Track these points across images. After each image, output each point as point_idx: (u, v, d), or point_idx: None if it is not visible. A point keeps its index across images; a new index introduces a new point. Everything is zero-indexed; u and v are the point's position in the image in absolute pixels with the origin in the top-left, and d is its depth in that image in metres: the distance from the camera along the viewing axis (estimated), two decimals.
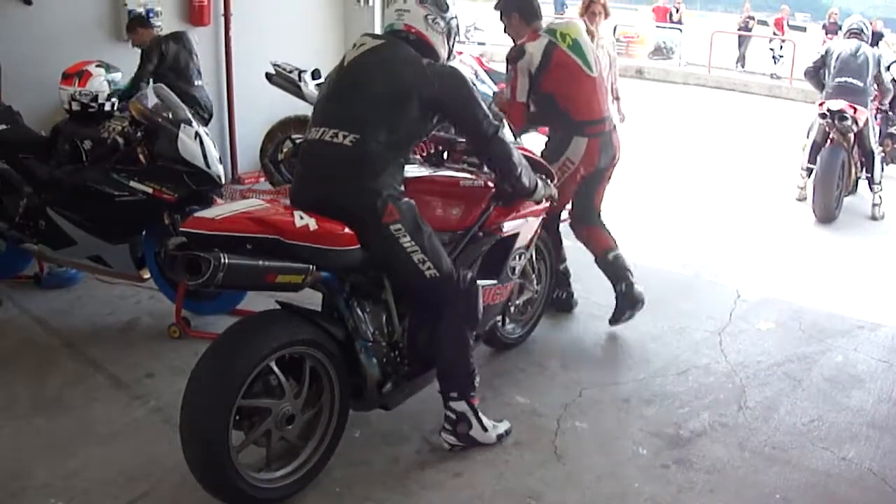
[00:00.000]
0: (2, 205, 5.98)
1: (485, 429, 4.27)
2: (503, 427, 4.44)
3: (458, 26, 4.23)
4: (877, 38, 9.99)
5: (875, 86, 9.15)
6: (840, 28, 24.36)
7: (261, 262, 3.46)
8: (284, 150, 8.50)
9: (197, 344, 5.32)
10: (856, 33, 9.30)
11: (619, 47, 25.00)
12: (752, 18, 27.76)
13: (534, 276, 5.48)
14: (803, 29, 38.48)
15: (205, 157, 5.47)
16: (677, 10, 28.57)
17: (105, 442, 4.35)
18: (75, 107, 5.93)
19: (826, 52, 9.34)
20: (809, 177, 9.13)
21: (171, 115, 5.50)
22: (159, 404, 4.71)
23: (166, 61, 7.74)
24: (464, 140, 4.52)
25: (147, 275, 5.76)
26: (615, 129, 5.79)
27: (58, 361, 5.23)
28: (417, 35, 4.07)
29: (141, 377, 5.02)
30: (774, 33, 26.31)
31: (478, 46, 22.46)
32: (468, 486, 4.09)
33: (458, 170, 4.66)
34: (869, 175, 9.24)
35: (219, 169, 5.58)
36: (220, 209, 3.63)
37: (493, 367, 5.27)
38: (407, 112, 3.87)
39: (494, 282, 4.62)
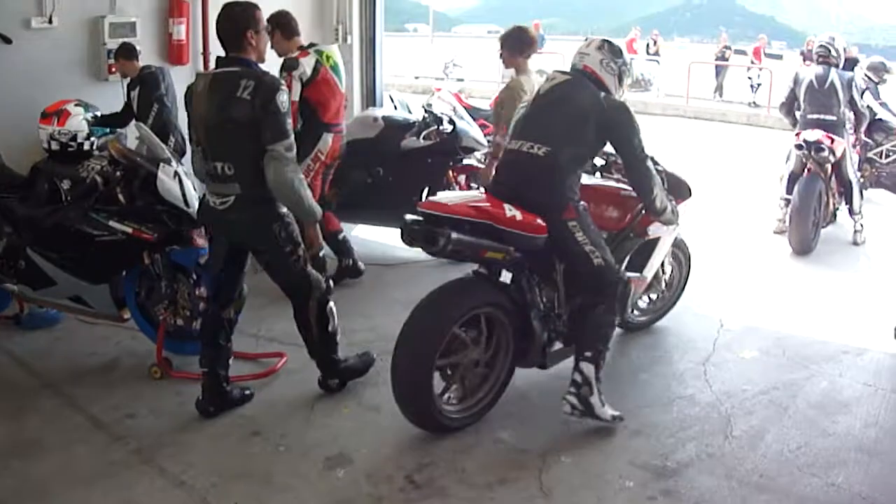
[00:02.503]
0: None
1: (602, 403, 4.90)
2: (617, 413, 4.98)
3: (629, 70, 5.30)
4: (851, 64, 9.92)
5: (851, 113, 9.03)
6: None
7: (477, 240, 4.57)
8: None
9: (179, 384, 5.30)
10: (824, 56, 9.00)
11: None
12: (729, 48, 28.03)
13: (664, 277, 6.37)
14: (780, 57, 38.89)
15: (184, 196, 5.46)
16: (654, 43, 28.84)
17: (84, 484, 4.31)
18: (54, 146, 5.92)
19: (795, 82, 9.12)
20: (787, 207, 9.04)
21: (150, 155, 5.49)
22: (139, 445, 4.67)
23: (170, 90, 7.79)
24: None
25: (128, 315, 5.73)
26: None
27: (37, 402, 5.19)
28: (593, 74, 5.11)
29: (121, 418, 4.98)
30: (752, 62, 26.54)
31: (456, 83, 22.55)
32: None
33: (616, 181, 5.78)
34: (848, 205, 9.23)
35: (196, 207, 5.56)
36: (449, 196, 5.12)
37: None
38: (585, 133, 4.91)
39: (638, 275, 5.61)
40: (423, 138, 7.79)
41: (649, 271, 5.82)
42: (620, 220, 5.57)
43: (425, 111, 8.06)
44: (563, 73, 5.20)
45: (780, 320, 6.86)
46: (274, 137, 4.55)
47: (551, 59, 26.66)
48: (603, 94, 5.02)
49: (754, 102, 24.39)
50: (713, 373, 5.82)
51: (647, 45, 29.16)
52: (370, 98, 9.74)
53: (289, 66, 6.73)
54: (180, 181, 5.47)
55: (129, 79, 7.91)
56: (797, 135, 8.78)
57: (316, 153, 6.95)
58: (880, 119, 10.31)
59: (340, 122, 7.15)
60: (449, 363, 4.80)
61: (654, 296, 6.48)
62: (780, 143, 11.88)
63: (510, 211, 4.64)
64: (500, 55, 6.78)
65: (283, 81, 4.91)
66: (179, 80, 8.17)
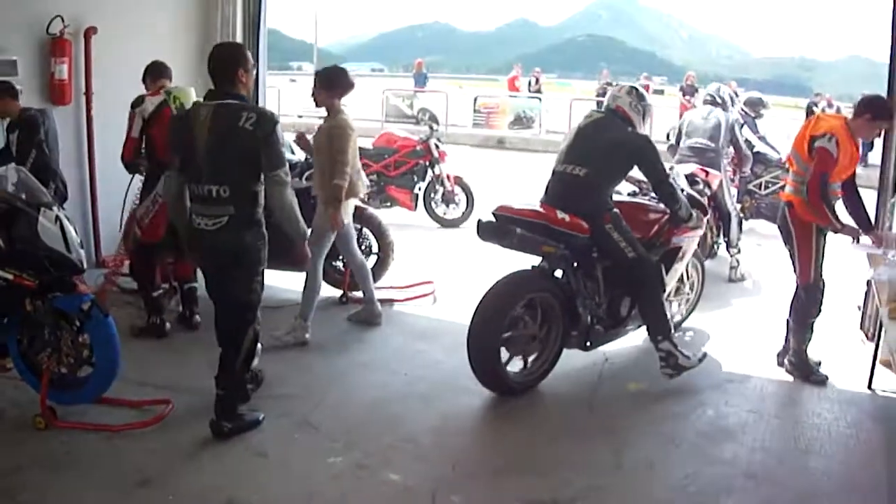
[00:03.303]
0: None
1: (687, 357, 6.26)
2: (700, 353, 6.47)
3: (650, 109, 6.59)
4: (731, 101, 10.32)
5: (732, 150, 9.52)
6: (696, 90, 25.31)
7: (536, 236, 5.95)
8: None
9: (64, 434, 5.16)
10: (709, 101, 9.67)
11: (479, 118, 25.43)
12: (610, 84, 28.41)
13: (687, 281, 7.55)
14: (661, 92, 39.83)
15: (65, 241, 5.33)
16: (536, 80, 29.12)
17: None
18: None
19: (681, 123, 9.76)
20: None
21: (30, 199, 5.36)
22: (25, 500, 4.52)
23: (50, 134, 7.60)
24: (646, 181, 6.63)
25: (10, 364, 5.57)
26: None
27: None
28: (623, 113, 6.43)
29: (6, 471, 4.81)
30: None
31: None
32: None
33: (645, 199, 6.97)
34: (726, 238, 9.52)
35: (80, 253, 5.45)
36: (514, 202, 6.19)
37: (364, 443, 5.24)
38: (616, 158, 6.28)
39: (664, 275, 6.63)
40: (306, 179, 7.76)
41: (674, 274, 6.95)
42: (648, 230, 6.68)
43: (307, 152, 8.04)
44: (599, 111, 6.63)
45: None
46: (276, 164, 5.02)
47: (435, 98, 27.00)
48: (630, 128, 6.39)
49: None
50: (600, 406, 5.94)
51: (529, 82, 29.43)
52: None
53: (134, 104, 6.90)
54: (62, 226, 5.35)
55: (8, 120, 7.72)
56: (670, 168, 9.01)
57: (155, 195, 6.82)
58: (759, 152, 10.70)
59: None
60: (512, 337, 5.97)
61: (682, 297, 7.60)
62: None
63: (561, 214, 6.01)
64: (314, 94, 6.83)
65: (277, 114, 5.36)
66: (62, 120, 8.03)
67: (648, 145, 6.33)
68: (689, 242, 7.00)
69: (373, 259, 8.17)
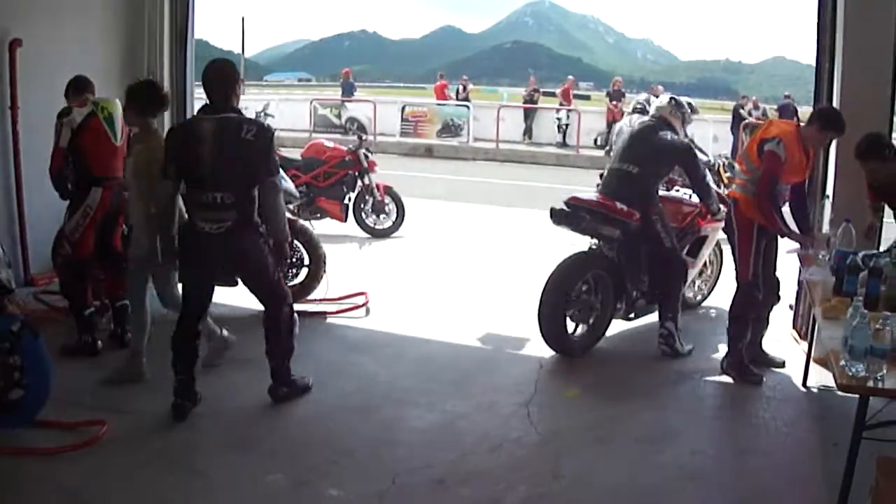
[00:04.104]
0: None
1: (682, 345, 7.12)
2: (690, 346, 7.20)
3: (689, 115, 7.64)
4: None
5: None
6: (623, 95, 25.52)
7: (599, 223, 7.06)
8: None
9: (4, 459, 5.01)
10: (639, 109, 9.98)
11: (407, 127, 25.43)
12: (537, 91, 28.63)
13: (710, 265, 8.70)
14: (587, 97, 40.22)
15: None
16: (464, 88, 29.18)
17: None
18: None
19: (610, 130, 10.07)
20: None
21: None
22: None
23: None
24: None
25: None
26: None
27: None
28: (666, 120, 7.40)
29: None
30: (561, 103, 27.18)
31: None
32: None
33: (679, 193, 8.08)
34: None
35: (8, 273, 5.33)
36: (582, 194, 7.37)
37: (303, 459, 5.17)
38: (663, 160, 7.33)
39: (693, 259, 7.84)
40: None
41: (701, 258, 8.09)
42: (683, 220, 7.77)
43: None
44: (649, 118, 7.68)
45: (599, 357, 7.08)
46: (273, 171, 5.56)
47: (363, 107, 26.95)
48: (673, 133, 7.34)
49: (564, 143, 25.09)
50: (537, 414, 5.90)
51: (457, 90, 29.48)
52: None
53: (61, 114, 6.69)
54: None
55: None
56: (601, 175, 9.17)
57: (85, 208, 6.65)
58: None
59: (112, 175, 6.75)
60: (575, 306, 7.07)
61: (705, 278, 8.74)
62: (592, 181, 12.21)
63: (619, 205, 7.05)
64: (124, 113, 6.50)
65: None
66: None
67: (690, 150, 7.46)
68: (713, 232, 7.97)
69: (304, 272, 8.08)
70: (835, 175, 6.98)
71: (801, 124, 6.57)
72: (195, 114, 5.78)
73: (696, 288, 8.62)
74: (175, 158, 5.59)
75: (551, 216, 7.12)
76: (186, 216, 5.76)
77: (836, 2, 6.93)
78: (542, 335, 6.90)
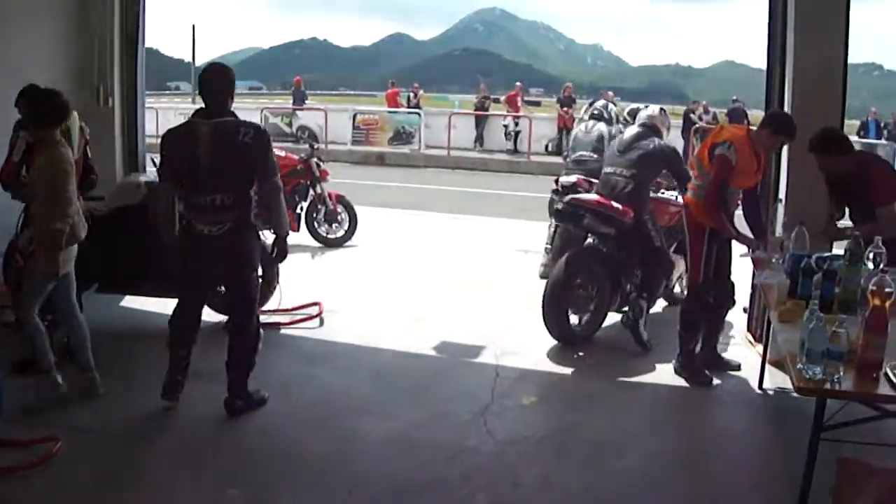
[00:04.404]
0: None
1: (644, 330, 7.60)
2: (650, 343, 7.53)
3: (669, 121, 8.55)
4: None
5: None
6: (574, 101, 25.63)
7: (598, 221, 7.59)
8: None
9: None
10: (595, 116, 10.09)
11: (358, 135, 25.35)
12: (488, 98, 28.63)
13: None
14: (538, 103, 40.31)
15: None
16: (415, 95, 29.13)
17: None
18: None
19: (562, 136, 10.27)
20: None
21: None
22: None
23: None
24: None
25: None
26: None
27: None
28: (656, 128, 7.97)
29: None
30: (508, 110, 27.22)
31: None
32: None
33: (666, 195, 8.49)
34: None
35: None
36: (581, 196, 7.99)
37: (260, 473, 5.10)
38: (653, 163, 7.78)
39: (679, 256, 8.01)
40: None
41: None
42: (670, 220, 8.22)
43: None
44: (638, 126, 8.07)
45: (555, 364, 7.07)
46: (272, 172, 5.76)
47: (314, 116, 26.82)
48: (658, 139, 7.88)
49: (515, 150, 25.16)
50: (494, 422, 5.86)
51: (408, 97, 29.43)
52: (132, 162, 9.31)
53: (17, 126, 6.59)
54: None
55: None
56: (556, 180, 9.26)
57: None
58: None
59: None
60: (576, 299, 7.64)
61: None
62: (543, 187, 12.24)
63: (615, 204, 7.55)
64: (24, 126, 6.34)
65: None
66: None
67: (676, 154, 8.07)
68: None
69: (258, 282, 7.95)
70: (787, 179, 7.05)
71: (752, 128, 6.62)
72: (190, 117, 5.79)
73: (684, 283, 8.73)
74: (171, 162, 5.78)
75: (555, 215, 8.38)
76: (184, 220, 5.86)
77: (786, 7, 6.99)
78: (546, 326, 7.47)
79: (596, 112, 10.22)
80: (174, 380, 5.95)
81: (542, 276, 9.52)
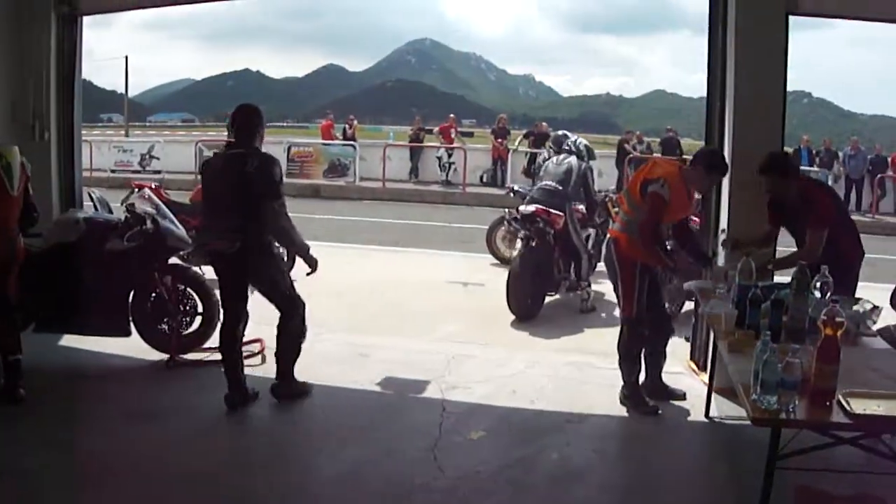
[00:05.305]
0: None
1: (591, 304, 10.34)
2: (593, 304, 10.42)
3: (591, 150, 11.44)
4: (542, 139, 12.08)
5: (584, 195, 10.66)
6: (509, 132, 25.84)
7: (540, 225, 9.98)
8: None
9: None
10: (567, 150, 10.91)
11: (293, 167, 25.23)
12: (423, 129, 28.59)
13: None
14: (471, 134, 40.43)
15: None
16: (350, 127, 29.00)
17: None
18: None
19: (538, 166, 11.66)
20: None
21: None
22: None
23: None
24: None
25: None
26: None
27: None
28: (578, 151, 10.58)
29: None
30: (442, 142, 27.15)
31: (154, 175, 21.83)
32: None
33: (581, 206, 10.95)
34: (576, 273, 10.39)
35: None
36: (526, 207, 10.13)
37: None
38: (575, 179, 10.38)
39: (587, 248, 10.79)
40: (127, 240, 7.42)
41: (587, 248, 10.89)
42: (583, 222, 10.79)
43: (127, 211, 7.71)
44: (564, 150, 10.80)
45: (501, 396, 7.02)
46: (272, 196, 6.44)
47: None
48: (581, 161, 10.64)
49: (449, 181, 25.19)
50: (444, 458, 5.79)
51: (344, 129, 29.28)
52: (69, 197, 9.11)
53: None
54: None
55: None
56: (517, 208, 10.16)
57: None
58: None
59: (6, 226, 6.48)
60: (530, 283, 9.78)
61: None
62: (479, 219, 12.29)
63: (553, 211, 10.02)
64: None
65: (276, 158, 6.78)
66: None
67: (590, 174, 10.85)
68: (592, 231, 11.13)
69: (199, 319, 7.83)
70: (728, 210, 7.07)
71: (685, 165, 6.68)
72: (220, 149, 6.85)
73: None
74: (205, 191, 6.80)
75: (510, 221, 10.67)
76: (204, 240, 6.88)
77: (725, 38, 7.06)
78: (510, 307, 9.66)
79: (567, 147, 10.99)
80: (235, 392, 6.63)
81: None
